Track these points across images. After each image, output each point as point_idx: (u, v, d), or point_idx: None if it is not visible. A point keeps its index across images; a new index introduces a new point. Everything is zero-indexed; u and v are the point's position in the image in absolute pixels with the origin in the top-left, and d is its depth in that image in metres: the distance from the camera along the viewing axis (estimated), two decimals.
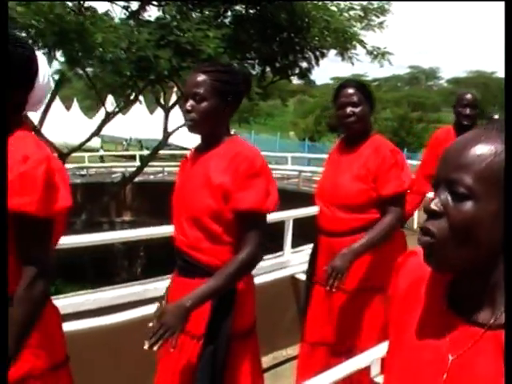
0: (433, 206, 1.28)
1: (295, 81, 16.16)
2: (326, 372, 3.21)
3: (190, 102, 2.83)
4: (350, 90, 3.80)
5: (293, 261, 5.93)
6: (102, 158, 28.45)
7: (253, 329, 3.02)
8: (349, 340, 3.80)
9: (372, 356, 3.30)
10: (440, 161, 1.31)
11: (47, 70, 2.26)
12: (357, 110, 3.78)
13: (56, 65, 12.38)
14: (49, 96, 12.11)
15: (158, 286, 4.62)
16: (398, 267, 1.55)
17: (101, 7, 11.79)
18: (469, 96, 5.35)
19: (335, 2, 13.64)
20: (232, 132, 3.00)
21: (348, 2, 13.77)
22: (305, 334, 4.03)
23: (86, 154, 22.13)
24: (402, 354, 1.43)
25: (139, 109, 30.54)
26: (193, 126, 2.86)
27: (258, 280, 4.71)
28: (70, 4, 10.10)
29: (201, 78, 2.83)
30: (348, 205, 3.76)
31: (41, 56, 2.24)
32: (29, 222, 2.02)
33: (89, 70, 10.97)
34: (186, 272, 2.90)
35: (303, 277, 4.85)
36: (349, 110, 3.77)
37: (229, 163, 2.77)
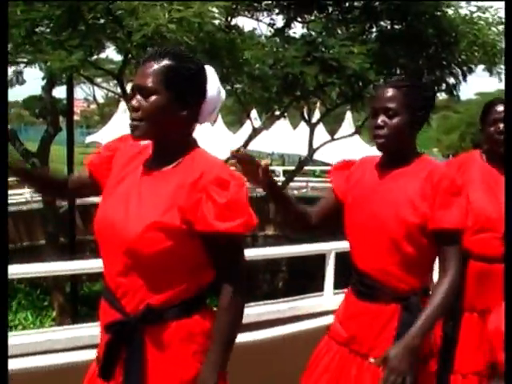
0: None
1: (439, 96, 15.85)
2: None
3: (382, 118, 2.73)
4: (503, 108, 3.68)
5: None
6: None
7: None
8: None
9: None
10: None
11: (217, 82, 2.31)
12: None
13: None
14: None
15: (300, 304, 4.63)
16: None
17: (247, 25, 12.07)
18: None
19: (483, 16, 13.28)
20: None
21: (497, 16, 13.38)
22: (456, 364, 3.82)
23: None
24: None
25: (282, 124, 30.72)
26: (384, 143, 2.76)
27: None
28: (217, 22, 10.37)
29: (393, 92, 2.74)
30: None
31: (210, 69, 2.29)
32: (234, 240, 2.15)
33: (236, 86, 11.16)
34: (369, 296, 2.80)
35: None
36: (502, 126, 3.65)
37: (426, 182, 2.69)
